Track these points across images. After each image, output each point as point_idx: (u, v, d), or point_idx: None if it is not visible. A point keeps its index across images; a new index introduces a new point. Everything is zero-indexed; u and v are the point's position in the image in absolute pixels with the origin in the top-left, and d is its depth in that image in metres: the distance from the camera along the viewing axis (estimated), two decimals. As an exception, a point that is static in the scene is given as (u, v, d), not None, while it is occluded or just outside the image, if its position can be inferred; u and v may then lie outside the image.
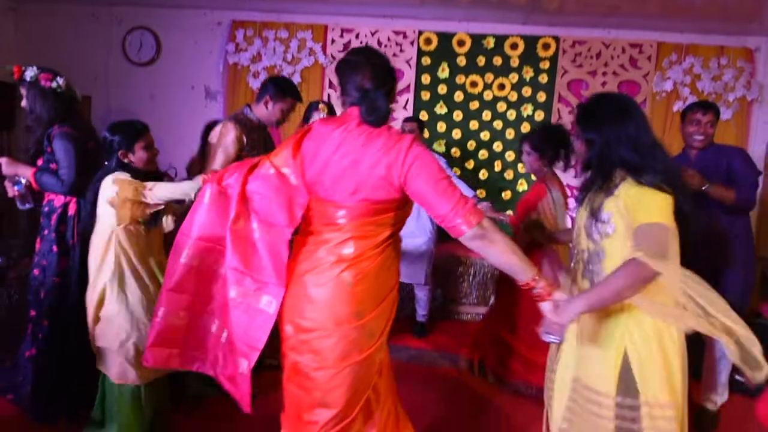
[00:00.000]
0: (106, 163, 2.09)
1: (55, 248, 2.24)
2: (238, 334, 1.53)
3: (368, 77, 1.48)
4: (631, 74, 4.15)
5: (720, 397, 2.49)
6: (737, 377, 2.62)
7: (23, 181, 2.27)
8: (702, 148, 2.53)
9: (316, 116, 2.86)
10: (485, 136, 4.32)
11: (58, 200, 2.26)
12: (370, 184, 1.43)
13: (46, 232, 2.26)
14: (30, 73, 2.21)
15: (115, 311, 2.00)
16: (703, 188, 2.33)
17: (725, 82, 4.03)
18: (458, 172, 4.33)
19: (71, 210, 2.26)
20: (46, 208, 2.28)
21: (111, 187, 2.00)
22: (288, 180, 1.51)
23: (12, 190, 2.28)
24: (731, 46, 4.05)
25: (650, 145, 1.44)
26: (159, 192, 2.00)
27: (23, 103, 2.26)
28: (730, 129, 4.08)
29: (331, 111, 3.02)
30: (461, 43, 4.23)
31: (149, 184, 2.02)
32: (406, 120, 3.66)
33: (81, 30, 4.46)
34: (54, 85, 2.22)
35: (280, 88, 2.55)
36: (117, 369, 2.02)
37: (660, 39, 4.10)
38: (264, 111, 2.57)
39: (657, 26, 4.03)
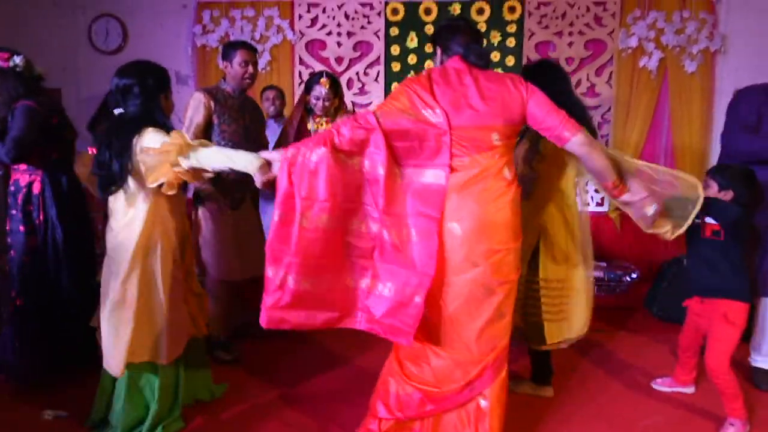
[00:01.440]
0: (116, 111, 1.89)
1: (21, 228, 2.27)
2: (402, 272, 1.68)
3: (469, 35, 1.85)
4: (596, 33, 4.20)
5: None
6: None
7: None
8: None
9: (317, 90, 2.83)
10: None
11: (23, 179, 2.29)
12: (509, 108, 1.73)
13: (13, 212, 2.29)
14: None
15: (144, 288, 1.88)
16: None
17: (688, 35, 4.09)
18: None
19: (36, 189, 2.28)
20: (12, 188, 2.31)
21: (153, 139, 1.80)
22: (429, 119, 1.68)
23: None
24: (693, -3, 4.10)
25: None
26: (214, 157, 1.78)
27: None
28: (696, 81, 4.15)
29: (334, 81, 2.93)
30: (428, 12, 4.25)
31: (196, 142, 1.82)
32: None
33: (45, 21, 4.41)
34: (11, 64, 2.22)
35: (225, 46, 2.67)
36: (168, 347, 1.93)
37: (624, -5, 4.14)
38: (230, 77, 2.64)
39: (620, -17, 4.08)
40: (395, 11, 4.26)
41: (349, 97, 4.36)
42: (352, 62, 4.36)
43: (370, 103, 4.39)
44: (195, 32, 4.31)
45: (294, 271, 1.65)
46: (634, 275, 4.05)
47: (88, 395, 2.14)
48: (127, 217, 1.87)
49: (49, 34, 4.41)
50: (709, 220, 2.21)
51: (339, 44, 4.32)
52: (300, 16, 4.30)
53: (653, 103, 4.22)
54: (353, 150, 1.69)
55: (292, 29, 4.30)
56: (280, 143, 3.02)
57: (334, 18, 4.29)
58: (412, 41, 4.28)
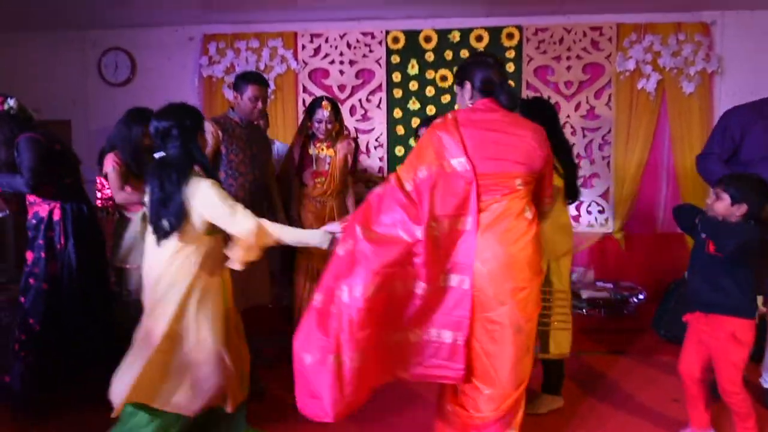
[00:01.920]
0: (157, 155, 1.92)
1: (43, 254, 2.34)
2: (443, 318, 1.75)
3: (498, 73, 1.86)
4: (594, 57, 4.28)
5: None
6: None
7: None
8: None
9: (319, 113, 2.91)
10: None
11: (43, 209, 2.37)
12: (531, 156, 1.78)
13: (40, 241, 2.36)
14: None
15: (199, 337, 1.89)
16: None
17: (685, 57, 4.16)
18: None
19: (56, 215, 2.39)
20: (33, 220, 2.40)
21: (213, 200, 1.83)
22: (455, 169, 1.73)
23: None
24: (688, 21, 4.18)
25: None
26: (288, 238, 1.91)
27: None
28: (694, 102, 4.20)
29: (334, 105, 3.00)
30: (428, 40, 4.35)
31: (274, 232, 1.89)
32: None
33: (56, 55, 4.56)
34: (6, 107, 2.33)
35: (238, 78, 2.72)
36: (181, 398, 1.88)
37: (619, 20, 4.23)
38: (240, 107, 2.69)
39: (614, 8, 4.16)
40: (396, 39, 4.36)
41: (351, 123, 4.44)
42: (354, 89, 4.45)
43: (373, 129, 4.46)
44: (201, 63, 4.43)
45: (349, 349, 1.66)
46: (640, 296, 4.03)
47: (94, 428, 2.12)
48: (179, 258, 1.88)
49: (59, 67, 4.55)
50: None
51: (341, 72, 4.42)
52: (303, 46, 4.41)
53: (653, 124, 4.26)
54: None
55: (296, 59, 4.40)
56: (286, 168, 3.08)
57: (336, 47, 4.40)
58: (413, 68, 4.37)
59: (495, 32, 4.30)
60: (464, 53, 4.32)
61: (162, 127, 1.89)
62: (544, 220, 1.97)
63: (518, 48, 4.29)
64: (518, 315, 1.74)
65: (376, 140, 4.48)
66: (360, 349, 1.67)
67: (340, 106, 3.13)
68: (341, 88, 4.45)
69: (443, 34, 4.33)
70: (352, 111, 4.47)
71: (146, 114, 2.62)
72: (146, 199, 1.95)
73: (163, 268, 1.88)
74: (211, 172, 1.96)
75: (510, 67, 4.31)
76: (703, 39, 4.16)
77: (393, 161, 4.45)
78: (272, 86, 4.38)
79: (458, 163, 1.72)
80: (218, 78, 4.43)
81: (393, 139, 4.46)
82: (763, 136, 2.58)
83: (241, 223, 1.84)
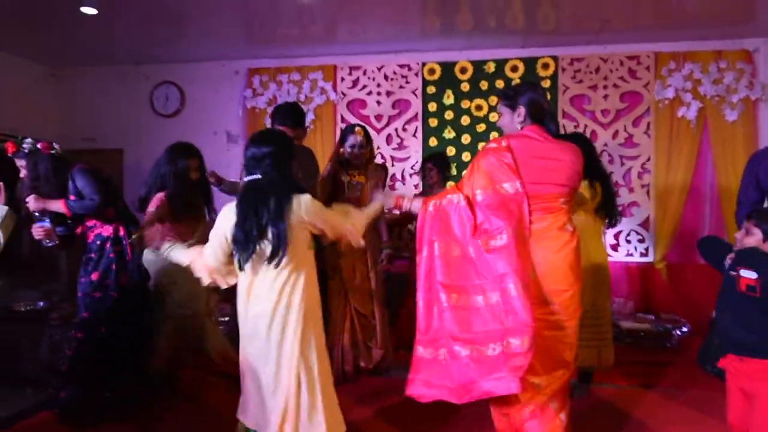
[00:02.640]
0: (250, 178, 1.91)
1: (114, 266, 2.58)
2: (510, 324, 1.85)
3: (547, 103, 2.11)
4: (631, 85, 4.26)
5: None
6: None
7: (47, 219, 2.55)
8: None
9: (352, 139, 3.05)
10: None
11: (106, 230, 2.59)
12: (572, 177, 1.99)
13: (106, 257, 2.57)
14: (27, 145, 2.56)
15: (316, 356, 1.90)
16: None
17: (727, 84, 4.09)
18: (471, 193, 4.46)
19: (121, 232, 2.64)
20: (98, 242, 2.62)
21: (316, 205, 1.90)
22: (508, 192, 1.92)
23: (38, 231, 2.52)
24: (729, 49, 4.13)
25: None
26: (362, 218, 2.08)
27: (22, 173, 2.58)
28: (738, 130, 4.11)
29: (366, 132, 3.14)
30: (463, 71, 4.44)
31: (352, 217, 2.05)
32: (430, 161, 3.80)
33: (112, 89, 4.88)
34: (53, 151, 2.61)
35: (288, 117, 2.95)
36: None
37: (656, 49, 4.22)
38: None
39: (652, 37, 4.16)
40: (432, 71, 4.47)
41: (387, 151, 4.55)
42: (391, 119, 4.56)
43: (408, 158, 4.54)
44: (245, 95, 4.65)
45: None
46: (684, 329, 3.88)
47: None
48: (290, 281, 1.87)
49: (114, 100, 4.87)
50: (744, 273, 1.97)
51: (378, 103, 4.55)
52: (342, 78, 4.58)
53: (695, 152, 4.19)
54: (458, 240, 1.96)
55: (335, 90, 4.57)
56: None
57: (373, 79, 4.54)
58: (449, 98, 4.46)
59: (530, 62, 4.35)
60: (499, 83, 4.39)
61: (261, 152, 1.89)
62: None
63: (554, 78, 4.33)
64: (561, 313, 1.93)
65: (412, 168, 4.55)
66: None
67: (371, 134, 3.23)
68: (378, 117, 4.57)
69: (478, 64, 4.41)
70: (389, 140, 4.57)
71: (191, 149, 2.79)
72: (224, 228, 1.89)
73: (276, 295, 1.85)
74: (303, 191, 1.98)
75: (532, 82, 4.32)
76: (745, 66, 4.09)
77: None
78: (312, 116, 4.55)
79: (510, 186, 1.92)
80: (261, 109, 4.63)
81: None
82: None
83: (344, 223, 2.00)
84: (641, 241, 4.33)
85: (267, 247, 1.81)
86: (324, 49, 4.44)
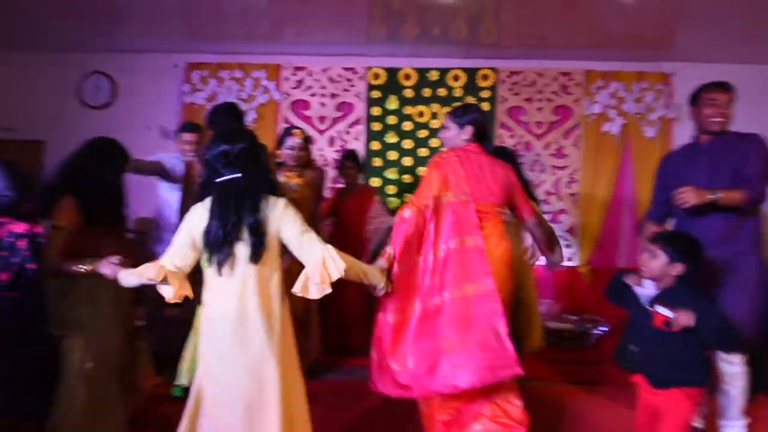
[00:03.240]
0: (226, 177, 1.77)
1: (28, 266, 2.28)
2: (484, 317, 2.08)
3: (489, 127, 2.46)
4: (563, 100, 4.52)
5: None
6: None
7: None
8: (720, 132, 2.39)
9: (291, 141, 3.02)
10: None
11: (20, 227, 2.26)
12: (507, 190, 2.26)
13: (14, 257, 2.30)
14: None
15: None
16: (710, 199, 2.21)
17: (647, 103, 4.44)
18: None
19: (39, 228, 2.29)
20: (11, 238, 2.35)
21: (290, 212, 1.78)
22: (459, 198, 2.16)
23: None
24: (650, 71, 4.48)
25: None
26: (351, 273, 1.82)
27: None
28: (656, 146, 4.47)
29: (305, 136, 3.12)
30: (407, 77, 4.52)
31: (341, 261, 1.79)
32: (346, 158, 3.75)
33: (36, 76, 4.53)
34: None
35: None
36: None
37: (587, 67, 4.49)
38: None
39: (584, 56, 4.43)
40: (377, 76, 4.52)
41: (330, 154, 4.56)
42: (334, 121, 4.57)
43: (352, 160, 4.57)
44: (184, 90, 4.49)
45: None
46: (603, 328, 4.21)
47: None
48: (261, 285, 1.75)
49: (38, 88, 4.53)
50: (659, 309, 1.92)
51: (322, 104, 4.54)
52: (286, 78, 4.53)
53: (617, 165, 4.52)
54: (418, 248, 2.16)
55: (278, 90, 4.51)
56: None
57: (318, 80, 4.53)
58: (392, 103, 4.52)
59: (471, 73, 4.50)
60: (442, 91, 4.51)
61: (235, 150, 1.78)
62: (539, 228, 2.45)
63: (493, 89, 4.51)
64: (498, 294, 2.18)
65: (355, 171, 4.59)
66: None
67: (314, 136, 3.24)
68: (321, 119, 4.56)
69: (422, 72, 4.51)
70: (332, 142, 4.58)
71: (123, 152, 2.37)
72: (203, 226, 1.75)
73: (249, 299, 1.73)
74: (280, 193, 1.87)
75: (485, 106, 4.51)
76: (663, 88, 4.45)
77: (370, 192, 4.57)
78: (254, 115, 4.47)
79: (461, 194, 2.16)
80: (200, 105, 4.49)
81: (370, 171, 4.58)
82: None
83: (312, 246, 1.76)
84: (568, 246, 4.63)
85: (244, 248, 1.72)
86: (268, 47, 4.37)
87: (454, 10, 3.56)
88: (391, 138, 4.56)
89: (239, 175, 1.77)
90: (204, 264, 1.78)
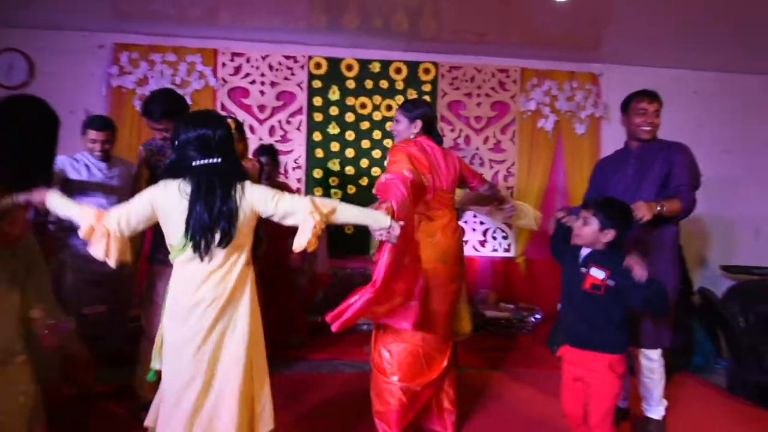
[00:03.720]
0: (198, 163, 1.73)
1: None
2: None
3: (435, 120, 2.58)
4: (501, 96, 4.66)
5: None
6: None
7: None
8: (649, 139, 2.51)
9: None
10: (377, 154, 4.57)
11: None
12: (457, 178, 2.45)
13: None
14: None
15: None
16: (658, 211, 2.26)
17: (577, 102, 4.67)
18: (353, 190, 4.54)
19: None
20: None
21: (261, 189, 1.79)
22: (422, 182, 2.29)
23: None
24: (580, 71, 4.71)
25: None
26: (346, 215, 1.87)
27: None
28: (585, 142, 4.71)
29: (238, 126, 2.92)
30: (349, 68, 4.49)
31: (328, 205, 1.83)
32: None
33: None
34: None
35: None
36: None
37: (523, 65, 4.66)
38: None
39: (520, 54, 4.58)
40: (318, 65, 4.45)
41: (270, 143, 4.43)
42: (275, 111, 4.46)
43: (292, 151, 4.48)
44: (111, 73, 4.21)
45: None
46: (538, 315, 4.37)
47: None
48: (237, 269, 1.78)
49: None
50: (593, 272, 1.99)
51: (262, 93, 4.42)
52: (223, 64, 4.36)
53: (550, 160, 4.71)
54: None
55: (215, 76, 4.33)
56: None
57: (257, 68, 4.40)
58: (334, 94, 4.48)
59: (413, 66, 4.54)
60: (384, 83, 4.52)
61: (217, 135, 1.76)
62: (492, 188, 2.68)
63: (434, 82, 4.57)
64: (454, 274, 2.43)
65: (295, 161, 4.50)
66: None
67: (244, 126, 3.11)
68: (261, 108, 4.44)
69: (364, 63, 4.49)
70: (272, 131, 4.47)
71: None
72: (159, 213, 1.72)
73: (222, 284, 1.75)
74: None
75: (426, 100, 4.55)
76: (592, 87, 4.70)
77: (311, 183, 4.50)
78: (189, 101, 4.25)
79: (425, 179, 2.31)
80: (129, 89, 4.23)
81: (312, 161, 4.51)
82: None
83: (298, 200, 1.80)
84: (505, 237, 4.78)
85: (217, 233, 1.72)
86: (204, 31, 4.19)
87: (394, 2, 3.57)
88: (333, 129, 4.50)
89: (219, 160, 1.75)
90: (176, 252, 1.75)
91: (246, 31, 4.18)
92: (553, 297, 4.45)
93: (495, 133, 4.69)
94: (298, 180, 4.49)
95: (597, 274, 1.98)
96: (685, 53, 4.42)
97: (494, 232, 4.76)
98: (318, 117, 4.49)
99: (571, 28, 3.98)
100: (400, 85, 4.54)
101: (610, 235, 1.99)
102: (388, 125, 4.55)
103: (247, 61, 4.39)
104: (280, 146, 4.46)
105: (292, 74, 4.44)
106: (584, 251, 2.06)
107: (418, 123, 2.43)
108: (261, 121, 4.44)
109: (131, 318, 3.09)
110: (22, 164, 1.79)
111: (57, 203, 1.69)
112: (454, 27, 4.04)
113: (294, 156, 4.50)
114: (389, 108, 4.54)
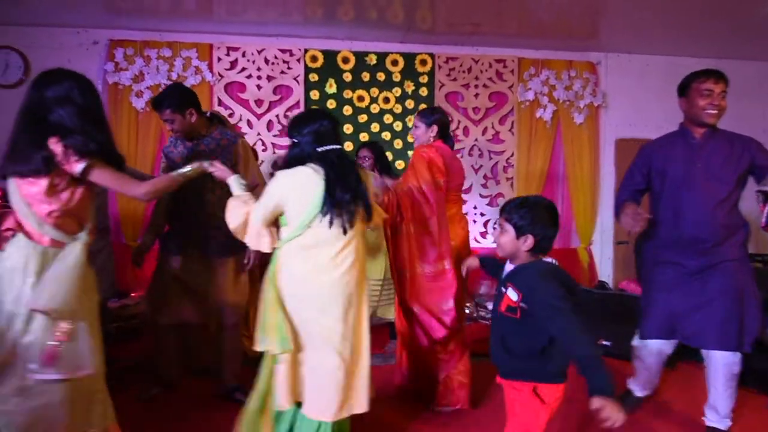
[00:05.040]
0: (325, 148, 1.98)
1: None
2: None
3: (449, 125, 2.86)
4: (498, 86, 4.63)
5: None
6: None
7: None
8: (714, 125, 2.28)
9: None
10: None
11: None
12: (464, 178, 2.88)
13: None
14: None
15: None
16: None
17: (576, 91, 4.65)
18: (352, 182, 4.52)
19: None
20: None
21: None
22: (439, 184, 2.60)
23: None
24: (577, 60, 4.68)
25: None
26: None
27: None
28: (584, 131, 4.69)
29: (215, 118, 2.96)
30: (346, 60, 4.47)
31: None
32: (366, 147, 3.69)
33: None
34: None
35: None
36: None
37: (520, 55, 4.63)
38: None
39: (516, 44, 4.56)
40: (314, 58, 4.43)
41: (268, 138, 4.42)
42: (272, 105, 4.44)
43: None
44: (106, 69, 4.19)
45: None
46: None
47: None
48: (355, 246, 1.99)
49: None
50: (510, 292, 1.64)
51: (259, 87, 4.40)
52: (219, 59, 4.34)
53: (549, 150, 4.69)
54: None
55: (211, 71, 4.31)
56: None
57: (253, 62, 4.37)
58: (331, 87, 4.46)
59: (409, 58, 4.52)
60: (381, 76, 4.49)
61: (333, 126, 2.03)
62: None
63: (431, 74, 4.55)
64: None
65: (293, 156, 4.48)
66: None
67: (226, 121, 3.09)
68: (258, 102, 4.42)
69: (360, 56, 4.47)
70: (269, 126, 4.45)
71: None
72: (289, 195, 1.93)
73: (357, 259, 1.98)
74: None
75: (423, 92, 4.54)
76: (590, 76, 4.67)
77: (310, 177, 4.48)
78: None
79: (441, 181, 2.59)
80: (125, 86, 4.21)
81: (310, 156, 4.49)
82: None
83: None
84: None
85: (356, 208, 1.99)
86: (199, 25, 4.17)
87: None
88: (330, 122, 4.48)
89: (338, 146, 2.00)
90: (297, 229, 1.91)
91: (241, 25, 4.16)
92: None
93: (493, 124, 4.67)
94: (297, 174, 4.47)
95: (512, 294, 1.64)
96: (683, 40, 4.39)
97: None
98: (315, 111, 4.46)
99: (568, 17, 3.95)
100: (396, 77, 4.52)
101: (529, 241, 1.63)
102: (386, 118, 4.54)
103: (243, 55, 4.37)
104: (278, 141, 4.45)
105: (289, 68, 4.42)
106: (507, 267, 1.74)
107: (435, 128, 2.71)
108: (258, 116, 4.42)
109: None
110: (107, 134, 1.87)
111: (235, 185, 2.07)
112: (450, 18, 4.02)
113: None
114: (386, 100, 4.52)
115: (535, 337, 1.61)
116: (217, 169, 2.12)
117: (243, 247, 2.20)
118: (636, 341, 2.58)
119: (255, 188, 2.37)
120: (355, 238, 1.97)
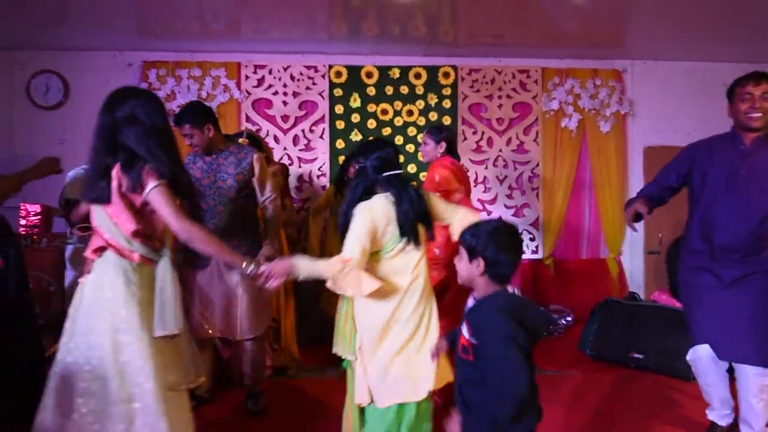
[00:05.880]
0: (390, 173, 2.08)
1: None
2: None
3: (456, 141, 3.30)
4: (522, 96, 4.63)
5: None
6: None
7: None
8: (761, 128, 2.21)
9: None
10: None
11: None
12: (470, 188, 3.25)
13: None
14: None
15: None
16: None
17: (601, 99, 4.60)
18: (377, 195, 4.56)
19: None
20: None
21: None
22: (462, 189, 2.91)
23: None
24: (603, 68, 4.64)
25: None
26: None
27: None
28: (611, 140, 4.63)
29: (253, 140, 3.09)
30: (369, 75, 4.54)
31: None
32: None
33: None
34: None
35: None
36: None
37: (543, 65, 4.62)
38: None
39: (540, 54, 4.55)
40: (339, 74, 4.52)
41: (294, 153, 4.51)
42: (297, 120, 4.53)
43: (316, 159, 4.55)
44: (140, 90, 4.36)
45: None
46: (569, 318, 4.29)
47: None
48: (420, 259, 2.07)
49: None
50: (463, 329, 1.50)
51: (285, 103, 4.50)
52: (246, 77, 4.47)
53: (575, 159, 4.65)
54: None
55: (239, 89, 4.44)
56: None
57: (280, 79, 4.49)
58: (355, 101, 4.53)
59: (432, 71, 4.56)
60: (404, 89, 4.55)
61: (390, 153, 2.14)
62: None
63: (454, 86, 4.57)
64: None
65: (319, 170, 4.56)
66: None
67: (260, 138, 3.27)
68: (284, 118, 4.52)
69: (384, 70, 4.53)
70: (296, 141, 4.54)
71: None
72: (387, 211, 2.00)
73: (425, 277, 2.07)
74: None
75: (446, 104, 4.57)
76: (616, 84, 4.62)
77: (335, 190, 4.54)
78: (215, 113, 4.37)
79: (459, 192, 2.86)
80: (158, 105, 4.37)
81: (336, 169, 4.55)
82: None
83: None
84: (532, 239, 4.72)
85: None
86: (227, 45, 4.31)
87: (412, 8, 3.60)
88: (356, 136, 4.55)
89: (400, 171, 2.13)
90: (387, 247, 2.00)
91: (267, 43, 4.28)
92: (584, 299, 4.43)
93: (518, 134, 4.66)
94: (323, 188, 4.54)
95: (465, 332, 1.47)
96: (712, 45, 4.31)
97: (521, 233, 4.70)
98: (340, 125, 4.54)
99: (592, 25, 3.93)
100: (420, 90, 4.56)
101: (480, 266, 1.46)
102: (410, 130, 4.58)
103: (270, 72, 4.48)
104: (303, 155, 4.54)
105: (314, 83, 4.51)
106: (470, 302, 1.55)
107: (443, 144, 2.97)
108: (285, 131, 4.52)
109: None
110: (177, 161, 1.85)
111: (303, 269, 1.86)
112: (472, 30, 4.05)
113: (318, 164, 4.56)
114: (410, 113, 4.57)
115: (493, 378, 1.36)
116: (270, 274, 1.86)
117: None
118: (690, 355, 2.40)
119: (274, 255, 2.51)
120: (423, 256, 2.08)
